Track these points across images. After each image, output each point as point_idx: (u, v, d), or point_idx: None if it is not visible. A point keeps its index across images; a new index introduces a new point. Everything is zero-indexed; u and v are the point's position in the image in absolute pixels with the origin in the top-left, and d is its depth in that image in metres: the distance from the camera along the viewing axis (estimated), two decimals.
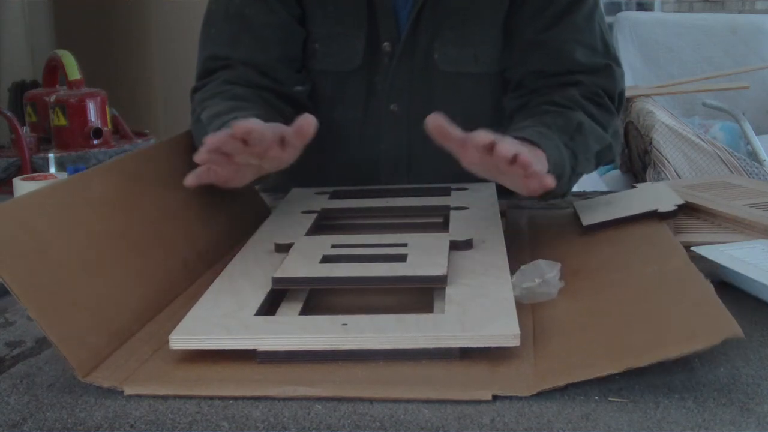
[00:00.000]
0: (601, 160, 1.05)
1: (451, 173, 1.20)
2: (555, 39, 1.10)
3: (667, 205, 0.99)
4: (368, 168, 1.20)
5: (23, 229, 0.70)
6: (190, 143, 1.01)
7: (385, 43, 1.14)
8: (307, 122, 0.78)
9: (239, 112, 0.93)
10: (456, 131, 0.80)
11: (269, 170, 0.88)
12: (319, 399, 0.62)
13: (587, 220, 0.98)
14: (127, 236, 0.82)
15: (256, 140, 0.79)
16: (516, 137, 0.84)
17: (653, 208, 0.98)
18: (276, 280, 0.78)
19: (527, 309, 0.76)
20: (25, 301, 0.65)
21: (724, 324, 0.61)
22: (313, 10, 1.14)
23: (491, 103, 1.17)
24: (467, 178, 1.19)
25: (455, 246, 0.87)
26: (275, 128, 0.81)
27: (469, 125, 1.18)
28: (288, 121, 1.10)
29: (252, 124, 0.77)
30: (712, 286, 0.70)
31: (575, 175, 0.98)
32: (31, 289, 0.66)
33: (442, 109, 1.17)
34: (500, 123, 1.15)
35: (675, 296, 0.72)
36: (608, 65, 1.10)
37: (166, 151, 0.98)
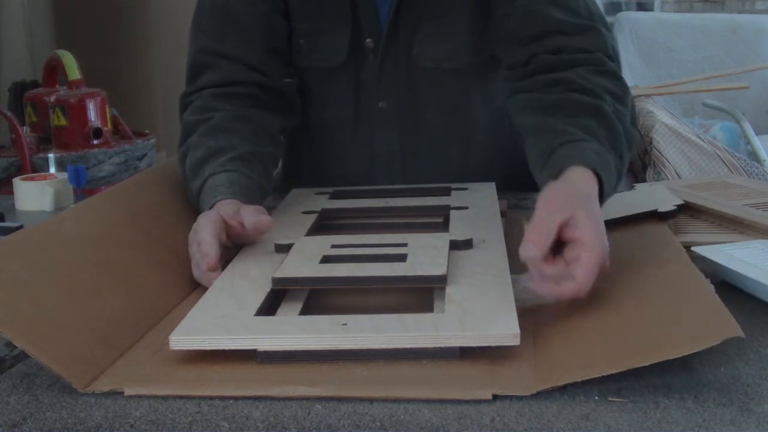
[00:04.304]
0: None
1: (445, 170, 1.20)
2: (528, 2, 1.03)
3: (667, 204, 0.99)
4: (363, 167, 1.21)
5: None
6: (167, 173, 1.07)
7: (368, 39, 1.14)
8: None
9: (215, 163, 0.98)
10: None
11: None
12: (319, 399, 0.62)
13: None
14: (113, 263, 0.82)
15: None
16: (580, 163, 0.82)
17: (653, 208, 0.98)
18: (276, 281, 0.78)
19: (527, 309, 0.76)
20: (7, 332, 0.65)
21: (725, 324, 0.61)
22: (297, 5, 1.14)
23: (478, 97, 1.16)
24: (461, 174, 1.20)
25: (455, 246, 0.87)
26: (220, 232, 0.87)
27: (459, 121, 1.18)
28: (278, 117, 1.11)
29: (213, 248, 0.84)
30: (712, 287, 0.70)
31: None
32: (14, 320, 0.66)
33: (429, 106, 1.17)
34: (491, 118, 1.14)
35: (675, 298, 0.72)
36: (593, 26, 1.02)
37: (144, 183, 1.04)
